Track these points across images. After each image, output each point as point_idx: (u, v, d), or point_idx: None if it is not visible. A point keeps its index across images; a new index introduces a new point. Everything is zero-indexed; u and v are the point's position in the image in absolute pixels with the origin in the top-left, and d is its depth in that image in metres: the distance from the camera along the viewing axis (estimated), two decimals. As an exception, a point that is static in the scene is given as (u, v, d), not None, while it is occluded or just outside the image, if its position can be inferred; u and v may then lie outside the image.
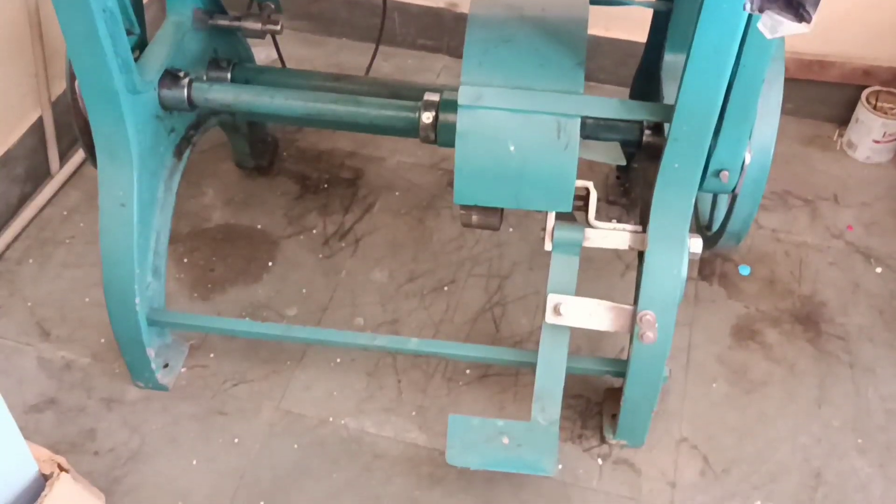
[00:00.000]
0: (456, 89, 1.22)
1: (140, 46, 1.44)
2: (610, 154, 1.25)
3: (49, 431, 1.48)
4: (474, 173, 1.23)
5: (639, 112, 1.19)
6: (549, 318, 1.30)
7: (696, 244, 1.29)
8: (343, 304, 1.67)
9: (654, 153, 1.30)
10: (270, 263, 1.75)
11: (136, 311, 1.39)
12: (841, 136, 2.01)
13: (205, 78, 1.60)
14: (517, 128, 1.19)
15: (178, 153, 1.53)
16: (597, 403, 1.51)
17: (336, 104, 1.43)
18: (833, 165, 1.97)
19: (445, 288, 1.70)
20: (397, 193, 1.89)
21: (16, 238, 1.78)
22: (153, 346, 1.47)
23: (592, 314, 1.30)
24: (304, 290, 1.70)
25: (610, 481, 1.42)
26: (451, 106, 1.32)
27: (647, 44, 1.63)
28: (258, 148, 1.90)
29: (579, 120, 1.19)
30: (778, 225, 1.83)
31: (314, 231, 1.81)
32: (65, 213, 1.84)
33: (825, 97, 2.01)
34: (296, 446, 1.46)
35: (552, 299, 1.30)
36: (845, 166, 1.97)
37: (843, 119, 2.02)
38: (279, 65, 1.82)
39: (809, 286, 1.71)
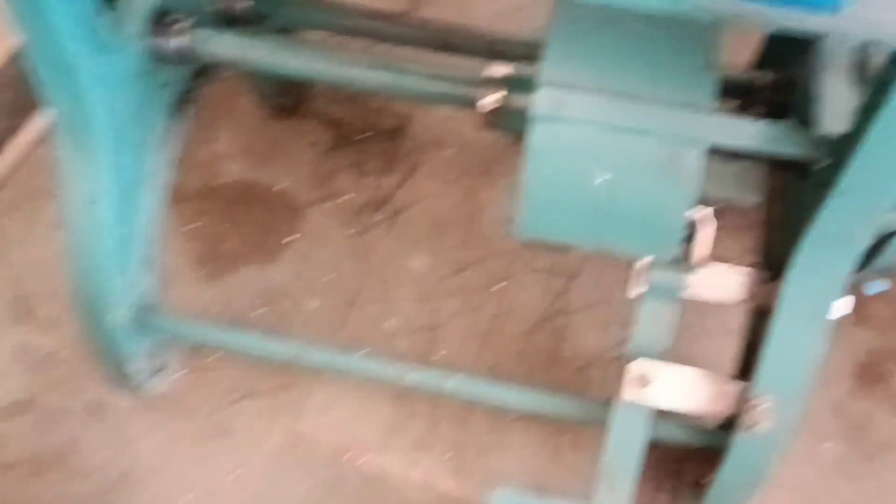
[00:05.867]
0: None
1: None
2: (739, 188, 0.90)
3: (28, 440, 1.26)
4: (546, 204, 0.91)
5: (793, 144, 0.84)
6: (630, 391, 0.99)
7: (844, 306, 0.96)
8: (374, 298, 1.39)
9: (794, 168, 0.95)
10: (291, 237, 1.45)
11: (112, 325, 1.12)
12: None
13: (212, 9, 1.26)
14: (611, 151, 0.86)
15: (174, 114, 1.21)
16: (675, 460, 1.23)
17: (373, 71, 1.09)
18: None
19: (497, 285, 1.40)
20: (447, 152, 1.55)
21: (2, 186, 1.52)
22: (140, 354, 1.21)
23: (688, 391, 0.99)
24: (328, 276, 1.41)
25: (685, 565, 1.16)
26: (521, 85, 0.98)
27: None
28: (283, 84, 1.57)
29: (702, 148, 0.84)
30: (922, 226, 1.46)
31: (345, 197, 1.50)
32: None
33: None
34: (307, 485, 1.22)
35: (637, 367, 0.99)
36: None
37: None
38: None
39: (958, 314, 1.37)
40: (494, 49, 1.22)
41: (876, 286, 1.39)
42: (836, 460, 1.24)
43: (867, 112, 0.75)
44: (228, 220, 1.47)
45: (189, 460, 1.24)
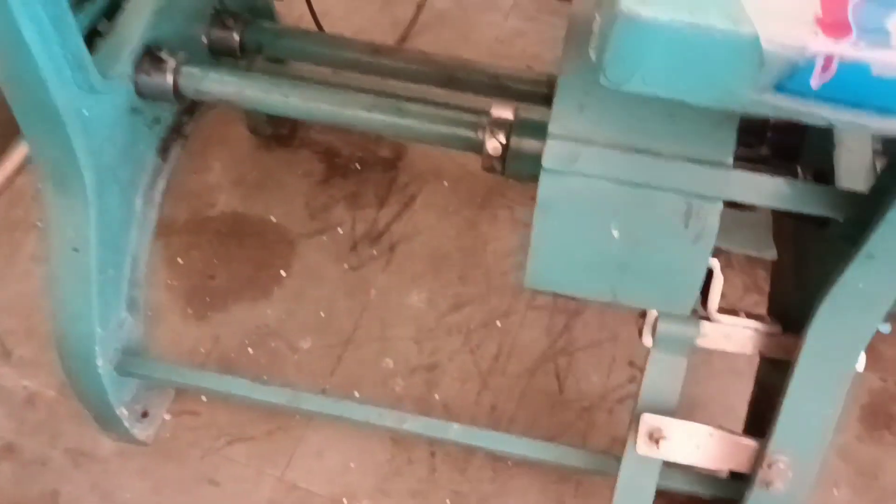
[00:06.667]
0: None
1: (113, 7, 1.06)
2: (754, 242, 0.87)
3: (4, 491, 1.20)
4: (556, 257, 0.87)
5: (813, 203, 0.80)
6: (642, 447, 0.96)
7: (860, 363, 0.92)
8: (370, 337, 1.34)
9: (810, 219, 0.92)
10: (284, 273, 1.41)
11: (98, 373, 1.07)
12: None
13: (204, 39, 1.22)
14: (626, 207, 0.81)
15: (164, 150, 1.17)
16: (682, 506, 1.20)
17: (371, 112, 1.04)
18: None
19: (498, 322, 1.36)
20: (446, 183, 1.51)
21: (-21, 217, 1.47)
22: (125, 400, 1.16)
23: (700, 447, 0.95)
24: (322, 314, 1.36)
25: None
26: (528, 129, 0.94)
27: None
28: (277, 112, 1.53)
29: (721, 205, 0.80)
30: (929, 262, 1.43)
31: (340, 230, 1.45)
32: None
33: None
34: (300, 538, 1.18)
35: (647, 421, 0.95)
36: None
37: None
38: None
39: (967, 354, 1.34)
40: (500, 85, 1.18)
41: (884, 325, 1.36)
42: (847, 508, 1.20)
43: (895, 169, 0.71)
44: (218, 255, 1.43)
45: (175, 512, 1.19)
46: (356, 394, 1.27)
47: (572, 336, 1.35)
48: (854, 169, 0.85)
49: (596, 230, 0.83)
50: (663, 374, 0.97)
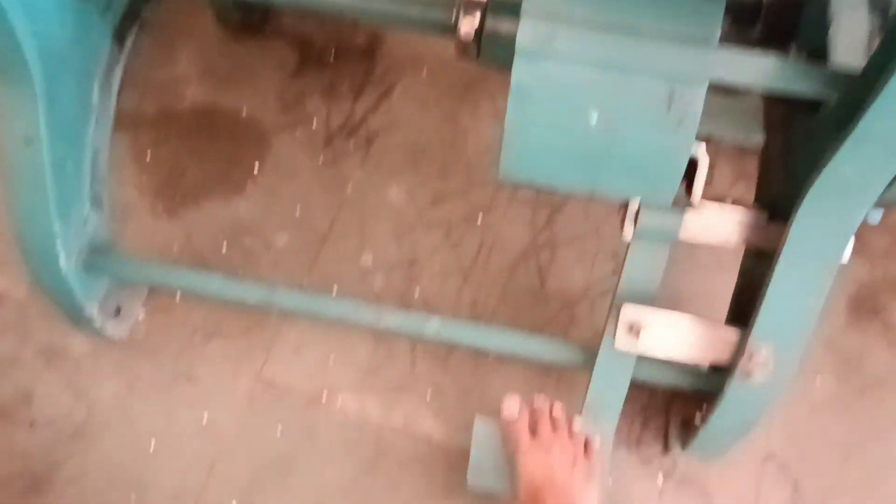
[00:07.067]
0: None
1: None
2: (742, 126, 0.82)
3: (-24, 390, 1.20)
4: (531, 147, 0.82)
5: (805, 81, 0.75)
6: (621, 338, 0.94)
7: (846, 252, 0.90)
8: (348, 233, 1.31)
9: (800, 103, 0.87)
10: (257, 168, 1.36)
11: (60, 269, 1.04)
12: None
13: (159, -84, 1.13)
14: (605, 91, 0.77)
15: (120, 38, 1.10)
16: (664, 398, 1.19)
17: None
18: None
19: (479, 217, 1.32)
20: (425, 73, 1.44)
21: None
22: (96, 298, 1.14)
23: (681, 338, 0.93)
24: (298, 209, 1.32)
25: (671, 507, 1.13)
26: (504, 9, 0.88)
27: None
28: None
29: (704, 88, 0.75)
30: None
31: (314, 123, 1.40)
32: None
33: None
34: (279, 433, 1.17)
35: (628, 313, 0.93)
36: None
37: None
38: None
39: (957, 243, 1.32)
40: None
41: (873, 214, 1.33)
42: (828, 396, 1.20)
43: (889, 48, 0.66)
44: (188, 150, 1.37)
45: (151, 408, 1.18)
46: (334, 291, 1.25)
47: (555, 229, 1.31)
48: (849, 49, 0.80)
49: (573, 117, 0.79)
50: (644, 265, 0.94)
